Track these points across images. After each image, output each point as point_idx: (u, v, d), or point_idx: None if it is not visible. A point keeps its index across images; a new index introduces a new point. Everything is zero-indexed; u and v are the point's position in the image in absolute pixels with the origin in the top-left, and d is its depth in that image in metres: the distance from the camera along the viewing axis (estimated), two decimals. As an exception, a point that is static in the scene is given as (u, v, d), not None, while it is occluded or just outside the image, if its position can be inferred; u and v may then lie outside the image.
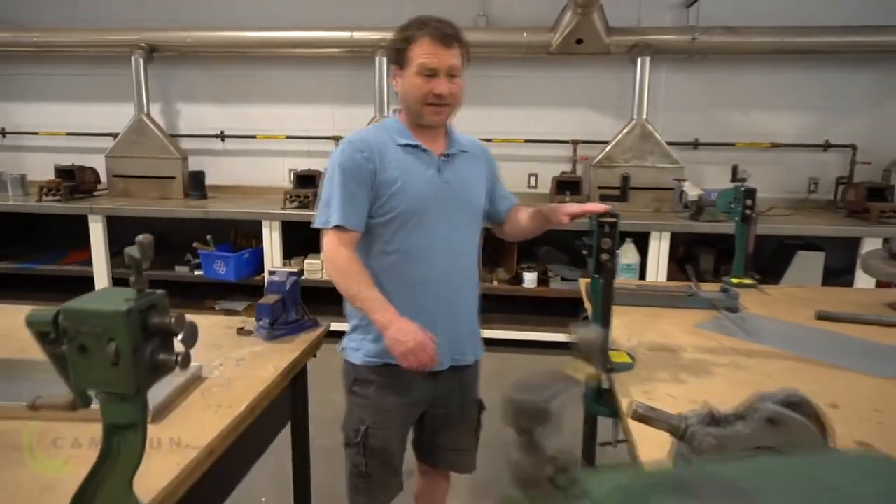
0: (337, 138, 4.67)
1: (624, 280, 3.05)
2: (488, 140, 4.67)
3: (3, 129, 5.16)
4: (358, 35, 4.39)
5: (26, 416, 1.32)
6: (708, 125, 4.50)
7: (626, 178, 1.74)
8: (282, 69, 4.75)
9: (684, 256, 4.12)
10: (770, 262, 4.13)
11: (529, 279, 4.22)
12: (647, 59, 4.17)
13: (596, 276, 1.62)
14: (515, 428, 0.37)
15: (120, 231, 4.45)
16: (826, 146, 4.41)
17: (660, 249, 3.88)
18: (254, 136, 4.89)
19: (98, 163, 4.78)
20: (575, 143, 4.55)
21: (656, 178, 4.23)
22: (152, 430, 1.31)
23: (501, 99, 4.65)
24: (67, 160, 4.78)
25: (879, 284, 3.28)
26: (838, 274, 3.99)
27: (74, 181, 4.59)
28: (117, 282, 4.47)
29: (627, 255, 4.04)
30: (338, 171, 1.63)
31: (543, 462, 0.38)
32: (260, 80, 4.81)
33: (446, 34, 1.61)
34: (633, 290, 2.29)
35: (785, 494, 0.38)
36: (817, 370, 1.67)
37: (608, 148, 4.30)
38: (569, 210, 1.73)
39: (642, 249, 4.01)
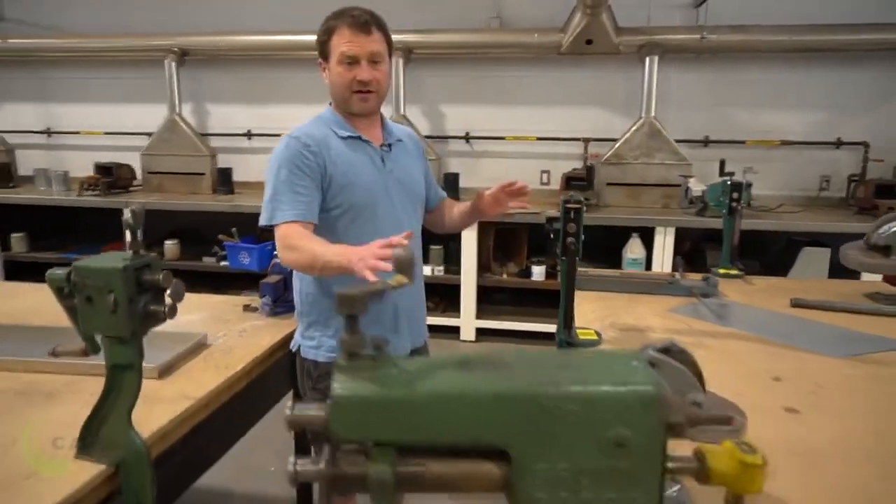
0: (356, 137, 4.87)
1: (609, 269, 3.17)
2: (501, 138, 4.82)
3: (49, 129, 5.52)
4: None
5: (51, 369, 1.53)
6: (717, 123, 4.55)
7: (590, 168, 1.87)
8: (304, 70, 4.96)
9: (691, 251, 4.19)
10: (777, 258, 4.17)
11: (538, 272, 4.35)
12: (656, 58, 4.26)
13: (563, 258, 1.76)
14: (344, 314, 0.52)
15: (153, 224, 4.73)
16: (838, 144, 4.42)
17: (665, 244, 3.96)
18: (278, 135, 5.10)
19: (134, 160, 5.08)
20: (586, 140, 4.64)
21: (664, 174, 4.31)
22: (159, 385, 1.51)
23: (514, 98, 4.79)
24: (106, 158, 5.10)
25: (886, 279, 3.31)
26: (846, 271, 4.00)
27: (112, 177, 4.89)
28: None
29: (634, 249, 4.13)
30: (284, 167, 1.62)
31: (364, 340, 0.53)
32: (284, 81, 5.04)
33: (364, 21, 1.63)
34: (617, 278, 2.41)
35: (533, 366, 0.53)
36: (774, 350, 1.77)
37: (617, 145, 4.40)
38: (486, 193, 1.85)
39: (649, 244, 4.09)
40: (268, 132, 5.14)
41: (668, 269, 3.97)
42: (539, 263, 4.38)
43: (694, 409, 0.55)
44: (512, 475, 0.51)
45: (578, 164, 4.72)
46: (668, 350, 0.95)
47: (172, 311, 1.11)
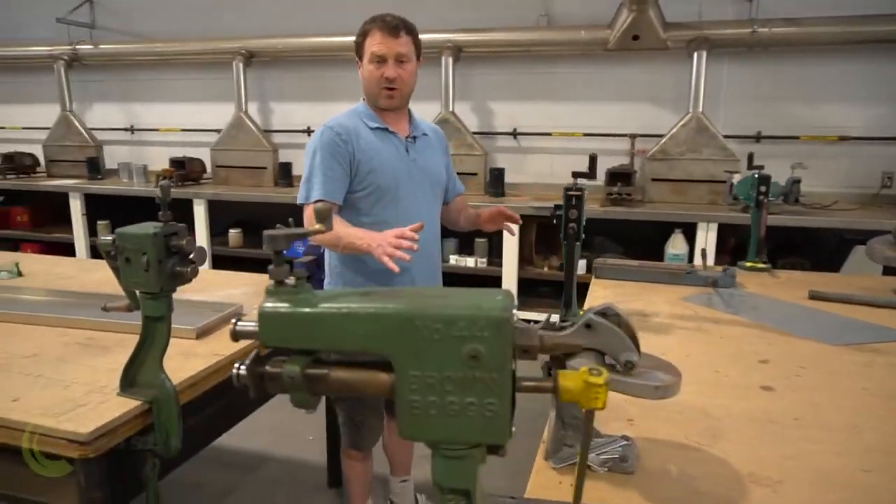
0: (408, 133, 5.07)
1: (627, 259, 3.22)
2: (548, 134, 4.89)
3: (132, 126, 6.04)
4: (425, 37, 4.74)
5: (108, 328, 1.79)
6: (771, 118, 4.45)
7: (592, 158, 1.95)
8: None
9: (735, 247, 4.12)
10: (830, 256, 4.05)
11: (580, 266, 4.39)
12: (704, 53, 4.21)
13: (565, 242, 1.87)
14: (271, 251, 0.68)
15: (220, 214, 5.11)
16: (902, 139, 4.23)
17: (707, 240, 3.93)
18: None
19: (205, 155, 5.49)
20: (632, 136, 4.65)
21: (711, 170, 4.26)
22: (195, 344, 1.73)
23: (561, 94, 4.85)
24: (180, 153, 5.53)
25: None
26: (903, 270, 3.84)
27: (184, 170, 5.31)
28: (217, 258, 5.14)
29: (676, 244, 4.11)
30: (318, 152, 1.84)
31: (286, 271, 0.69)
32: (340, 79, 5.30)
33: (394, 26, 1.83)
34: (635, 267, 2.48)
35: (416, 295, 0.67)
36: (772, 336, 1.81)
37: (663, 141, 4.39)
38: (485, 212, 2.05)
39: (693, 240, 4.07)
40: (326, 129, 5.41)
41: (710, 264, 3.94)
42: (581, 257, 4.42)
43: (546, 334, 0.67)
44: (395, 381, 0.65)
45: (625, 160, 4.74)
46: (605, 314, 1.06)
47: (194, 272, 1.31)
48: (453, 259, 4.71)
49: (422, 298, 0.66)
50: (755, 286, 2.37)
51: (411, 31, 1.89)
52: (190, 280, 1.32)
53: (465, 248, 4.79)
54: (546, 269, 4.52)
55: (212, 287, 2.32)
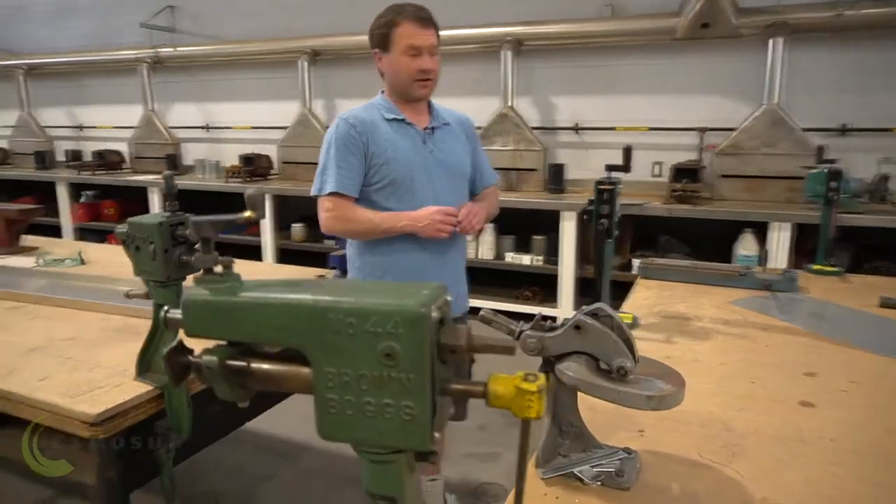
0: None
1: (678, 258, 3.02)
2: (611, 128, 4.71)
3: (208, 125, 6.34)
4: (483, 31, 4.69)
5: (143, 315, 1.85)
6: (858, 109, 4.07)
7: (627, 149, 1.83)
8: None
9: (815, 248, 3.80)
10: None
11: (633, 265, 4.20)
12: (781, 39, 3.92)
13: (595, 238, 1.77)
14: (197, 238, 0.66)
15: (285, 209, 5.27)
16: None
17: (780, 240, 3.65)
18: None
19: (273, 151, 5.68)
20: (701, 130, 4.40)
21: (788, 166, 3.95)
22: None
23: (626, 87, 4.65)
24: (250, 149, 5.75)
25: None
26: None
27: (252, 166, 5.52)
28: (282, 252, 5.31)
29: (746, 245, 3.85)
30: (333, 144, 1.82)
31: (213, 259, 0.66)
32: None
33: (425, 17, 1.80)
34: (684, 268, 2.32)
35: (336, 287, 0.62)
36: (824, 345, 1.64)
37: (734, 135, 4.12)
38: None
39: (765, 241, 3.79)
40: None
41: (775, 266, 3.67)
42: (643, 257, 4.23)
43: (475, 335, 0.61)
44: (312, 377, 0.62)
45: (694, 155, 4.49)
46: (596, 315, 0.98)
47: (198, 261, 1.32)
48: (509, 257, 4.63)
49: (340, 290, 0.62)
50: (820, 291, 2.16)
51: (436, 24, 1.86)
52: (196, 269, 1.33)
53: (522, 246, 4.70)
54: (605, 268, 4.35)
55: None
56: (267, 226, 5.22)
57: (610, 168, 1.79)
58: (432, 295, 0.61)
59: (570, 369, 0.97)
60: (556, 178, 4.61)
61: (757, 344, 1.66)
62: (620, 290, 2.10)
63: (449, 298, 0.64)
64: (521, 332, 1.02)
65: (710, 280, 2.24)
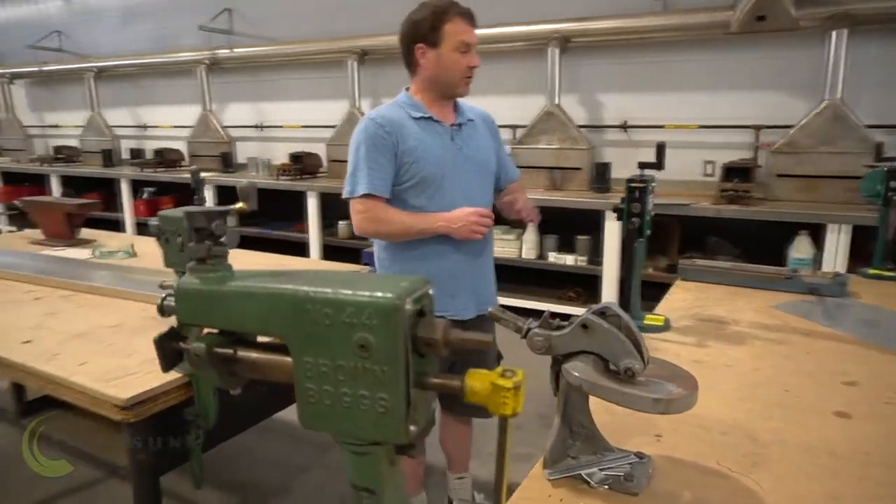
0: (516, 127, 4.99)
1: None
2: (660, 126, 4.58)
3: (260, 124, 6.52)
4: (530, 28, 4.64)
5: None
6: (930, 104, 3.82)
7: (660, 146, 1.77)
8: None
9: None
10: None
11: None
12: (845, 31, 3.71)
13: (625, 238, 1.72)
14: (190, 228, 0.67)
15: (331, 206, 5.36)
16: None
17: (838, 243, 3.47)
18: (442, 126, 5.45)
19: (322, 150, 5.79)
20: (756, 128, 4.22)
21: (849, 165, 3.74)
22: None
23: (676, 84, 4.51)
24: (300, 148, 5.88)
25: None
26: None
27: (301, 164, 5.64)
28: (327, 248, 5.41)
29: (800, 248, 3.68)
30: (363, 145, 1.80)
31: (208, 246, 0.68)
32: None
33: (472, 14, 1.83)
34: (726, 269, 2.24)
35: (316, 277, 0.62)
36: (869, 353, 1.55)
37: (791, 132, 3.93)
38: (516, 205, 1.98)
39: (821, 244, 3.61)
40: (433, 123, 5.48)
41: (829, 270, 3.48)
42: (690, 258, 4.09)
43: (452, 330, 0.60)
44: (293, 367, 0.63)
45: (747, 154, 4.31)
46: (604, 313, 0.95)
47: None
48: (552, 256, 4.57)
49: (321, 282, 0.62)
50: (874, 296, 2.04)
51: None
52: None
53: (566, 246, 4.63)
54: (651, 269, 4.24)
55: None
56: (313, 223, 5.33)
57: (643, 165, 1.74)
58: (410, 288, 0.60)
59: (577, 369, 0.95)
60: (601, 176, 4.52)
61: (796, 350, 1.58)
62: (664, 293, 2.05)
63: (430, 292, 0.64)
64: (528, 329, 1.01)
65: (753, 283, 2.15)
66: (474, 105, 2.06)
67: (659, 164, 1.75)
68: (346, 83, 5.57)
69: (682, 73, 4.47)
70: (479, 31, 5.34)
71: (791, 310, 1.90)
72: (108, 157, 7.02)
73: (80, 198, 6.20)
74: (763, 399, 1.30)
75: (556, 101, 4.69)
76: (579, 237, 4.53)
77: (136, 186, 6.58)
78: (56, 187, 7.06)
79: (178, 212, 1.33)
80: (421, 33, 1.81)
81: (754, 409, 1.26)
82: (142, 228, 6.52)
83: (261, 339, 0.71)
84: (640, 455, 1.05)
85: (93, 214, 6.14)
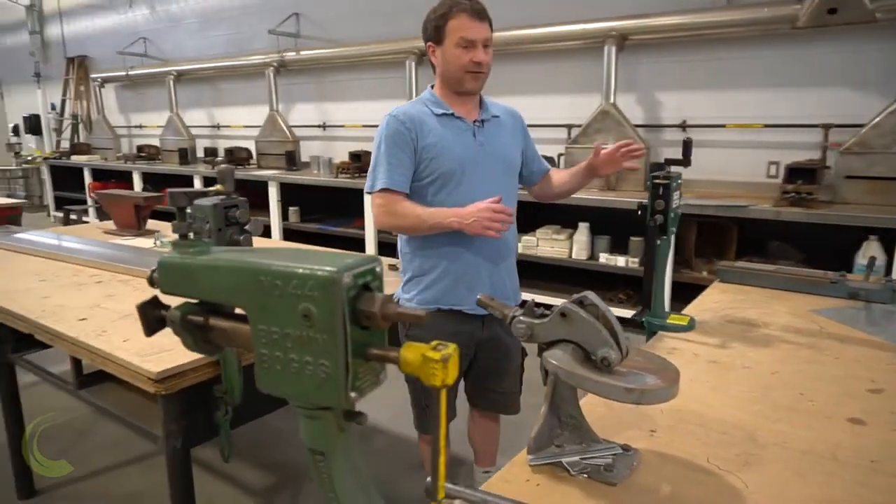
0: (571, 126, 4.94)
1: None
2: (721, 126, 4.43)
3: (324, 123, 6.75)
4: (585, 26, 4.59)
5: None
6: None
7: (686, 143, 1.73)
8: (523, 63, 5.20)
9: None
10: None
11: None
12: (925, 23, 3.46)
13: (648, 235, 1.70)
14: (174, 207, 0.74)
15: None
16: None
17: (910, 250, 3.25)
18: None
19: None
20: (825, 127, 4.00)
21: (927, 167, 3.50)
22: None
23: (738, 81, 4.34)
24: (360, 147, 6.04)
25: None
26: None
27: (360, 163, 5.80)
28: (381, 245, 5.54)
29: (868, 253, 3.45)
30: (383, 142, 1.84)
31: (187, 226, 0.75)
32: (508, 74, 5.35)
33: (479, 10, 1.79)
34: (766, 272, 2.15)
35: (274, 253, 0.68)
36: (905, 362, 1.46)
37: (862, 131, 3.70)
38: (603, 151, 1.86)
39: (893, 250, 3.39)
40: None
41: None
42: (749, 262, 3.94)
43: (389, 304, 0.64)
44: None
45: (815, 155, 4.09)
46: (582, 303, 0.96)
47: (248, 241, 1.45)
48: (603, 258, 4.49)
49: (275, 256, 0.67)
50: (929, 305, 1.91)
51: (489, 17, 1.86)
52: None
53: (619, 247, 4.54)
54: (706, 273, 4.10)
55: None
56: (369, 221, 5.46)
57: (669, 162, 1.72)
58: (353, 264, 0.65)
59: (555, 357, 0.96)
60: (657, 177, 4.40)
61: (824, 355, 1.52)
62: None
63: (378, 269, 0.68)
64: (513, 317, 1.03)
65: (796, 286, 2.06)
66: (502, 103, 2.07)
67: (685, 161, 1.71)
68: (405, 83, 5.68)
69: (745, 70, 4.30)
70: (533, 31, 5.35)
71: (833, 315, 1.82)
72: (184, 156, 7.45)
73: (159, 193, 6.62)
74: (773, 401, 1.27)
75: (612, 100, 4.61)
76: (633, 238, 4.44)
77: (208, 183, 6.95)
78: (137, 183, 7.56)
79: (209, 201, 1.44)
80: (429, 32, 1.86)
81: (762, 410, 1.23)
82: (212, 223, 6.89)
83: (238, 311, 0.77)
84: (625, 447, 1.05)
85: (165, 208, 6.60)
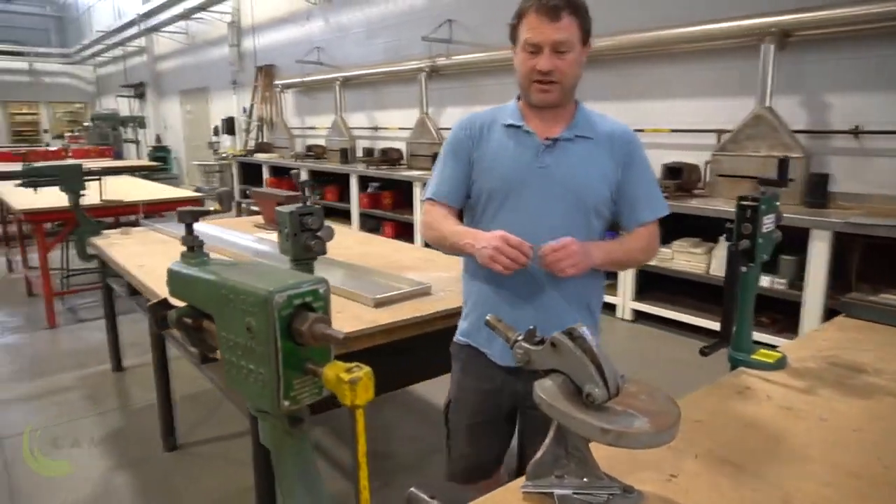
0: (721, 132, 4.58)
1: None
2: (837, 133, 3.83)
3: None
4: (738, 23, 4.21)
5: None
6: None
7: (783, 161, 1.54)
8: (672, 65, 4.91)
9: None
10: None
11: None
12: None
13: (731, 262, 1.56)
14: (183, 223, 0.86)
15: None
16: None
17: None
18: (641, 130, 5.22)
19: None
20: None
21: None
22: (372, 313, 2.01)
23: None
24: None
25: None
26: None
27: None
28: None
29: None
30: (444, 149, 1.71)
31: (192, 240, 0.86)
32: (653, 76, 5.09)
33: (553, 6, 1.47)
34: (902, 310, 1.85)
35: (247, 270, 0.76)
36: None
37: None
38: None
39: None
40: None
41: None
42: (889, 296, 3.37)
43: (318, 325, 0.69)
44: (219, 338, 0.78)
45: None
46: (571, 335, 0.94)
47: (320, 247, 1.59)
48: (747, 276, 4.10)
49: (239, 273, 0.77)
50: None
51: (577, 11, 1.50)
52: (319, 253, 1.61)
53: (768, 265, 4.11)
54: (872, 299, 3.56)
55: (430, 268, 2.60)
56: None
57: (763, 182, 1.55)
58: (295, 284, 0.72)
59: (542, 387, 0.95)
60: (815, 189, 3.93)
61: (933, 416, 1.29)
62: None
63: (322, 291, 0.74)
64: (515, 341, 1.04)
65: (940, 330, 1.75)
66: (613, 118, 1.69)
67: (781, 182, 1.54)
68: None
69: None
70: (681, 30, 5.02)
71: (972, 368, 1.53)
72: (345, 155, 8.08)
73: (322, 190, 7.31)
74: (841, 466, 1.11)
75: (767, 104, 4.19)
76: (784, 257, 4.00)
77: (364, 182, 7.48)
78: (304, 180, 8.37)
79: (287, 209, 1.60)
80: (509, 32, 1.62)
81: (815, 472, 1.09)
82: (364, 219, 7.42)
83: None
84: (628, 489, 1.00)
85: (326, 203, 7.19)
